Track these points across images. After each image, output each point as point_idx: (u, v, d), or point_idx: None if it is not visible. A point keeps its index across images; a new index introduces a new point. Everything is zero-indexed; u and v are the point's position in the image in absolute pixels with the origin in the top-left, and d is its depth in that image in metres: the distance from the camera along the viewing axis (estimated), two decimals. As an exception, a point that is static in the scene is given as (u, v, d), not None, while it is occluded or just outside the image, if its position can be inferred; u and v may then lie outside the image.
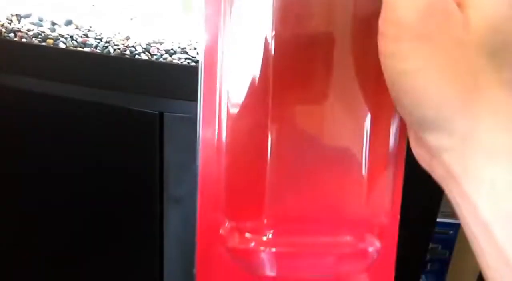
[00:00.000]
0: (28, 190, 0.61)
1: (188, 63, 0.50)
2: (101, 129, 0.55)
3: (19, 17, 0.54)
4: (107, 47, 0.51)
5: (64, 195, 0.60)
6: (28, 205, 0.62)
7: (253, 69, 0.20)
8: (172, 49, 0.50)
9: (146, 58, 0.51)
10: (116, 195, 0.59)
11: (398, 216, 0.24)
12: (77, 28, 0.53)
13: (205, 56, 0.20)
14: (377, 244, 0.23)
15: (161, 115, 0.51)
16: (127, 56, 0.51)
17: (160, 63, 0.51)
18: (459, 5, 0.21)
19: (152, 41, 0.51)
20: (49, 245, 0.64)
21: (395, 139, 0.22)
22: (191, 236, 0.62)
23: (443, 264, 0.92)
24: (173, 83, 0.50)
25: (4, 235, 0.66)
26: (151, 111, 0.51)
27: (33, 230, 0.64)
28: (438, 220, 0.92)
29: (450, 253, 0.91)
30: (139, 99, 0.52)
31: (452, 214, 0.88)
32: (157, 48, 0.51)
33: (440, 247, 0.91)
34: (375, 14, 0.19)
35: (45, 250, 0.65)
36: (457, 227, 0.89)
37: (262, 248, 0.20)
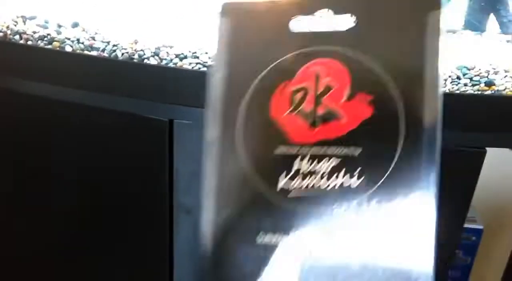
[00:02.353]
0: (37, 196, 0.60)
1: (199, 68, 0.48)
2: (109, 136, 0.53)
3: (24, 19, 0.52)
4: (114, 50, 0.49)
5: (72, 203, 0.58)
6: (39, 212, 0.61)
7: None
8: (182, 53, 0.48)
9: (155, 62, 0.48)
10: (124, 204, 0.57)
11: None
12: (84, 30, 0.50)
13: None
14: None
15: (170, 122, 0.49)
16: (135, 60, 0.49)
17: (170, 68, 0.48)
18: None
19: (161, 45, 0.48)
20: (60, 254, 0.63)
21: None
22: (202, 247, 0.60)
23: (465, 271, 0.88)
24: (184, 89, 0.48)
25: (25, 236, 0.65)
26: (161, 118, 0.49)
27: (45, 238, 0.62)
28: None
29: (472, 260, 0.87)
30: (148, 106, 0.49)
31: (475, 219, 0.84)
32: (167, 52, 0.48)
33: (461, 253, 0.87)
34: None
35: (57, 258, 0.63)
36: (480, 232, 0.85)
37: None
